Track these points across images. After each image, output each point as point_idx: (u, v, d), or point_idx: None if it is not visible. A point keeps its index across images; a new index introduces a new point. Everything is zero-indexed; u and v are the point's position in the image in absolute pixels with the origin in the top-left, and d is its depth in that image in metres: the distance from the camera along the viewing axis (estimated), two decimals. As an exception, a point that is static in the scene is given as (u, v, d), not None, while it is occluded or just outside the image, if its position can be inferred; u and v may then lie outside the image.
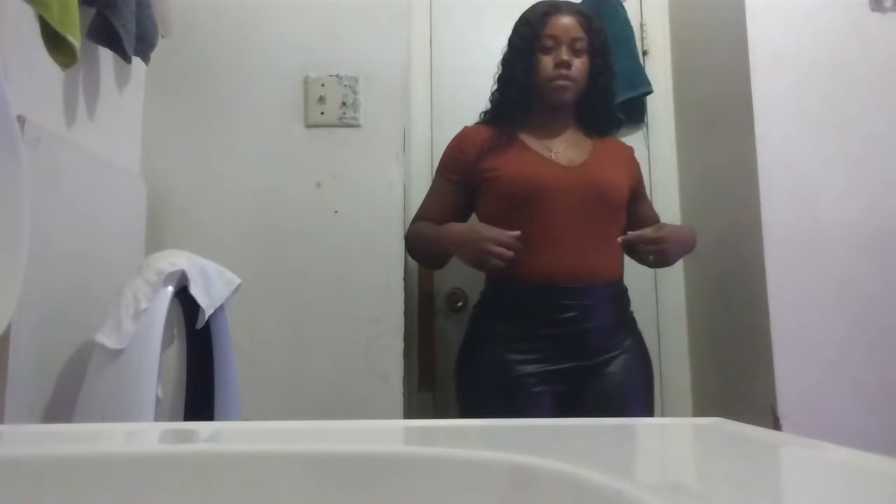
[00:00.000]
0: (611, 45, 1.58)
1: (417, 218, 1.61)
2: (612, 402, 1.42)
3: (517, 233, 1.37)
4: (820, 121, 1.59)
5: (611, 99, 1.60)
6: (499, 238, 1.37)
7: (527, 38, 1.53)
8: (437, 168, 1.63)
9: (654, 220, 1.59)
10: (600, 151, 1.53)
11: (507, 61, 1.57)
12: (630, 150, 1.65)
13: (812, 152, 1.59)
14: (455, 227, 1.47)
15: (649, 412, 1.50)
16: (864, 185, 1.57)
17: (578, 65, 1.50)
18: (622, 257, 1.53)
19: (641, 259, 1.49)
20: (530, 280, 1.43)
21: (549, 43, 1.49)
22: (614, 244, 1.45)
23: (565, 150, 1.52)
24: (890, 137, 1.59)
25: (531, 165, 1.48)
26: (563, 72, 1.48)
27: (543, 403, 1.42)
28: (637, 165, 1.63)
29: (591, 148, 1.54)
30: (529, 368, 1.42)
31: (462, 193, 1.56)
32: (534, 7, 1.57)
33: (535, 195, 1.44)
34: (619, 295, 1.52)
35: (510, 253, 1.36)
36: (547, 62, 1.49)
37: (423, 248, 1.57)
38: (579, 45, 1.49)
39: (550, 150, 1.51)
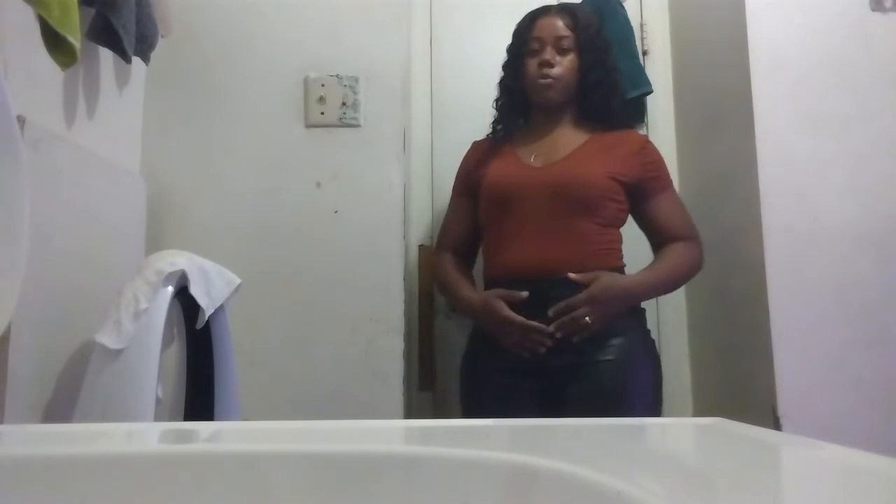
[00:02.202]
0: (607, 41, 1.57)
1: (438, 245, 1.66)
2: (591, 407, 1.35)
3: (524, 294, 1.40)
4: (820, 121, 1.59)
5: (608, 92, 1.54)
6: (511, 321, 1.40)
7: (516, 44, 1.58)
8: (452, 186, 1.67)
9: (668, 225, 1.50)
10: (591, 145, 1.50)
11: (503, 68, 1.62)
12: (639, 142, 1.55)
13: (812, 152, 1.58)
14: (470, 300, 1.51)
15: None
16: (864, 185, 1.57)
17: (565, 63, 1.51)
18: (607, 250, 1.46)
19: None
20: (499, 277, 1.48)
21: (535, 45, 1.52)
22: (589, 238, 1.44)
23: (549, 149, 1.52)
24: (890, 137, 1.59)
25: (505, 169, 1.52)
26: (545, 71, 1.50)
27: (517, 401, 1.42)
28: (648, 160, 1.52)
29: (581, 143, 1.51)
30: (500, 364, 1.44)
31: (472, 205, 1.59)
32: (528, 13, 1.60)
33: (504, 197, 1.49)
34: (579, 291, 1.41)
35: (540, 342, 1.39)
36: (531, 64, 1.52)
37: (448, 298, 1.67)
38: (565, 44, 1.50)
39: (533, 153, 1.53)
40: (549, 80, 1.50)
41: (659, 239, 1.52)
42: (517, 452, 0.41)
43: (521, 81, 1.55)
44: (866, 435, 1.47)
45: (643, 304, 1.52)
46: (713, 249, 1.63)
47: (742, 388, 1.65)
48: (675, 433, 0.55)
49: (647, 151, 1.54)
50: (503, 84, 1.61)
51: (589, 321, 1.36)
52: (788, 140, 1.58)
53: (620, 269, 1.49)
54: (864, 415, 1.49)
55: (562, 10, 1.55)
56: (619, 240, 1.51)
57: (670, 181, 1.55)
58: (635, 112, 1.93)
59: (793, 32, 1.62)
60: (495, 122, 1.64)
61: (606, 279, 1.40)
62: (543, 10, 1.57)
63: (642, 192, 1.50)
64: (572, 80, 1.52)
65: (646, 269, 1.49)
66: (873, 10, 1.62)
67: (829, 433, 1.46)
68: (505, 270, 1.47)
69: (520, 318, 1.39)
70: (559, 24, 1.52)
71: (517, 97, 1.58)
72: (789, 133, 1.58)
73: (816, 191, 1.57)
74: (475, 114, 1.96)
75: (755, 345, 1.57)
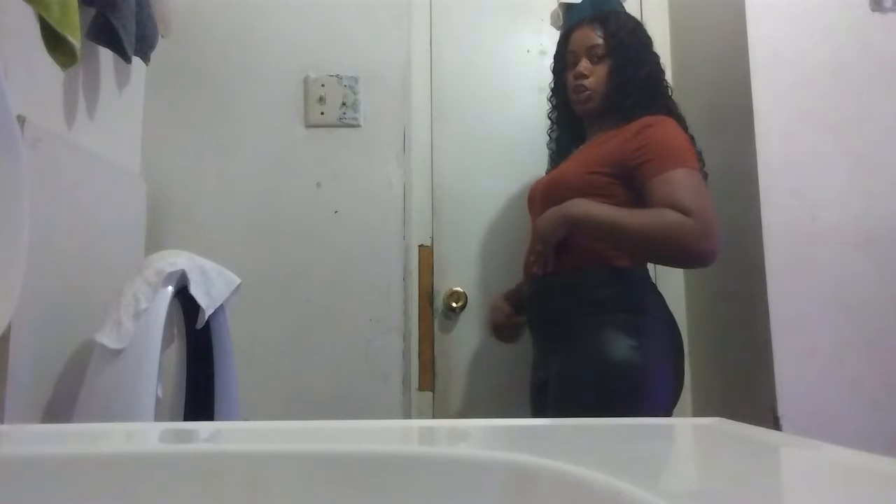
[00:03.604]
0: (644, 39, 1.54)
1: None
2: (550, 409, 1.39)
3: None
4: (820, 121, 1.59)
5: (633, 89, 1.47)
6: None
7: (556, 61, 1.62)
8: None
9: (664, 205, 1.31)
10: (593, 144, 1.50)
11: (550, 88, 1.66)
12: (636, 126, 1.40)
13: (812, 152, 1.58)
14: None
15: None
16: (864, 185, 1.57)
17: (599, 72, 1.50)
18: (580, 246, 1.40)
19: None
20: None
21: (571, 58, 1.54)
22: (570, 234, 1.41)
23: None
24: (890, 137, 1.59)
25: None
26: (579, 83, 1.51)
27: (531, 397, 1.53)
28: (642, 143, 1.37)
29: (588, 145, 1.53)
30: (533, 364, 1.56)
31: None
32: (566, 29, 1.63)
33: (528, 209, 1.60)
34: (565, 286, 1.41)
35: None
36: (569, 78, 1.55)
37: None
38: (599, 52, 1.50)
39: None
40: (585, 92, 1.51)
41: None
42: (517, 452, 0.41)
43: (565, 96, 1.59)
44: (866, 435, 1.47)
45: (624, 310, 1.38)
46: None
47: (742, 388, 1.65)
48: (675, 433, 0.55)
49: (643, 135, 1.37)
50: (553, 102, 1.66)
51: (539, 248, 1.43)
52: (788, 140, 1.58)
53: (611, 266, 1.40)
54: (864, 415, 1.49)
55: (594, 19, 1.55)
56: None
57: (674, 163, 1.33)
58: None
59: (793, 32, 1.62)
60: (549, 143, 1.70)
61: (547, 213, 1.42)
62: (577, 23, 1.58)
63: (639, 178, 1.36)
64: (607, 86, 1.50)
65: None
66: (873, 10, 1.62)
67: (829, 433, 1.46)
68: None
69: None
70: (591, 34, 1.52)
71: (565, 112, 1.62)
72: (789, 133, 1.58)
73: (816, 191, 1.57)
74: (475, 114, 1.96)
75: (755, 345, 1.57)
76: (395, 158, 1.68)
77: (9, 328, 0.96)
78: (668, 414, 1.37)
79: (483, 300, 1.86)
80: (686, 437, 0.54)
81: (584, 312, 1.39)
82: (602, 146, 1.45)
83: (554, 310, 1.44)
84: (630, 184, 1.38)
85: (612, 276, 1.41)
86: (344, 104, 1.68)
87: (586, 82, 1.50)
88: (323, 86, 1.68)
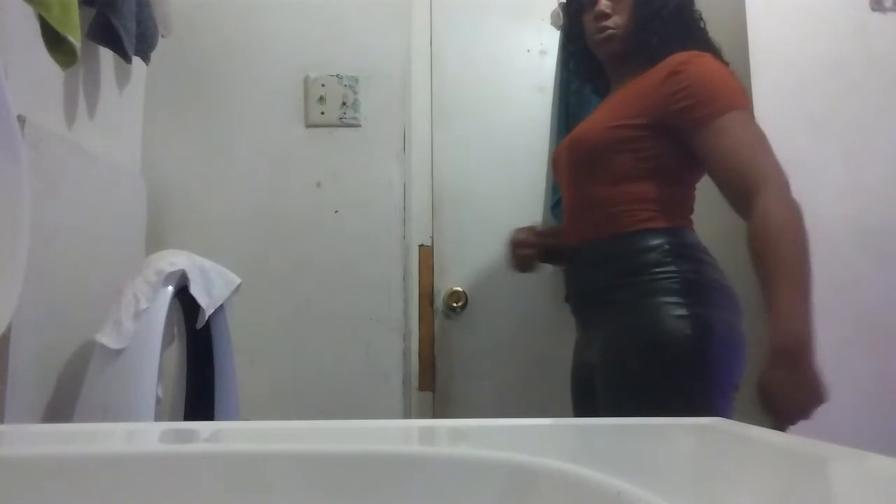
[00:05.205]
0: None
1: None
2: (596, 389, 1.24)
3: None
4: (820, 121, 1.59)
5: (657, 25, 1.32)
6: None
7: (570, 2, 1.47)
8: None
9: (716, 172, 1.21)
10: (618, 93, 1.35)
11: (564, 35, 1.52)
12: (667, 67, 1.23)
13: (812, 152, 1.59)
14: None
15: (627, 411, 1.13)
16: (864, 185, 1.57)
17: (622, 8, 1.33)
18: (621, 212, 1.25)
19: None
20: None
21: None
22: (598, 202, 1.28)
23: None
24: (890, 137, 1.59)
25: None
26: (601, 24, 1.33)
27: (573, 383, 1.37)
28: (678, 86, 1.20)
29: (614, 95, 1.38)
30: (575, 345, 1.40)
31: None
32: None
33: (555, 170, 1.49)
34: (603, 257, 1.27)
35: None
36: (589, 20, 1.37)
37: None
38: None
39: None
40: (609, 32, 1.33)
41: (724, 194, 1.20)
42: (517, 452, 0.41)
43: (584, 41, 1.41)
44: (866, 435, 1.47)
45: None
46: (713, 250, 1.62)
47: (742, 387, 1.65)
48: (675, 433, 0.55)
49: (682, 75, 1.20)
50: (568, 51, 1.51)
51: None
52: (788, 140, 1.58)
53: (649, 230, 1.24)
54: (864, 415, 1.49)
55: None
56: (648, 196, 1.25)
57: (724, 105, 1.18)
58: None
59: (793, 32, 1.62)
60: (560, 101, 1.60)
61: (762, 389, 1.15)
62: None
63: (682, 127, 1.20)
64: (632, 24, 1.33)
65: (766, 295, 1.16)
66: (873, 10, 1.63)
67: (828, 433, 1.46)
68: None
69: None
70: None
71: (587, 61, 1.45)
72: (789, 133, 1.58)
73: (816, 191, 1.57)
74: (475, 114, 1.96)
75: (755, 345, 1.57)
76: (395, 158, 1.68)
77: (9, 328, 0.96)
78: (733, 392, 1.24)
79: (483, 300, 1.86)
80: (686, 437, 0.54)
81: (627, 283, 1.23)
82: (629, 94, 1.29)
83: (595, 283, 1.29)
84: (665, 134, 1.23)
85: (652, 238, 1.23)
86: (344, 104, 1.68)
87: (609, 21, 1.33)
88: (323, 85, 1.68)
